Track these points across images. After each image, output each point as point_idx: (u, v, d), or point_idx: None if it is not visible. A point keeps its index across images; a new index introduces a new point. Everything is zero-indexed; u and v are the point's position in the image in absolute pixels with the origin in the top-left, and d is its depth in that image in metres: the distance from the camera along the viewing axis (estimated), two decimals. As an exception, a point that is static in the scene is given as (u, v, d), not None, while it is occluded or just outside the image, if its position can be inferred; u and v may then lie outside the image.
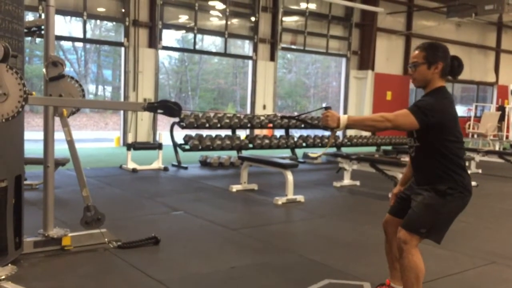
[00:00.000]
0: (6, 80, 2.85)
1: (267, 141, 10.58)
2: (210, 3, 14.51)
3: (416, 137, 2.93)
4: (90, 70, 23.62)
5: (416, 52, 2.94)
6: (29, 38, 4.43)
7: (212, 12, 14.72)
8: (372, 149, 12.94)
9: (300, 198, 6.62)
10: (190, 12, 14.06)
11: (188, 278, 3.68)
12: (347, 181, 8.03)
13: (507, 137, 17.79)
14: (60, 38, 12.79)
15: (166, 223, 5.32)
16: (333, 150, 11.72)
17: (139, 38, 12.94)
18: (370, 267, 3.96)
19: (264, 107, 15.27)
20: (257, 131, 13.28)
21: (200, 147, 9.65)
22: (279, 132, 11.76)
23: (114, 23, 14.22)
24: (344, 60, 17.77)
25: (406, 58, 18.92)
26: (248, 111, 15.20)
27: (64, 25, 15.12)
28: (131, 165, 8.81)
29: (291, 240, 4.96)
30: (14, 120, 2.98)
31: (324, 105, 2.94)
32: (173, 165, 9.48)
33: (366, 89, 17.62)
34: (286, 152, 11.39)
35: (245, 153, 10.00)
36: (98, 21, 15.55)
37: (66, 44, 20.64)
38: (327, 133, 12.44)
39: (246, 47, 15.88)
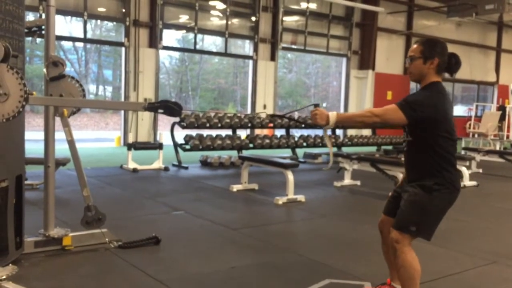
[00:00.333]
0: (6, 80, 2.86)
1: (267, 141, 10.58)
2: (211, 3, 14.51)
3: (408, 132, 2.94)
4: (91, 70, 23.63)
5: (415, 46, 2.97)
6: (29, 38, 4.44)
7: (212, 12, 14.72)
8: (373, 148, 12.93)
9: (301, 198, 6.62)
10: (191, 12, 14.06)
11: (189, 278, 3.68)
12: (347, 181, 8.03)
13: (507, 136, 17.79)
14: (60, 38, 12.80)
15: (167, 223, 5.32)
16: (334, 149, 11.72)
17: (139, 38, 12.95)
18: (370, 267, 3.96)
19: (265, 107, 15.27)
20: (257, 131, 13.28)
21: (200, 147, 9.65)
22: (279, 132, 11.76)
23: (115, 23, 14.23)
24: (344, 59, 17.77)
25: (406, 58, 18.90)
26: (249, 111, 15.20)
27: (65, 25, 15.13)
28: (131, 165, 8.81)
29: (292, 240, 4.96)
30: (14, 120, 2.98)
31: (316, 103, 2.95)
32: (173, 165, 9.48)
33: (367, 89, 17.62)
34: (287, 152, 11.38)
35: (245, 153, 10.00)
36: (99, 21, 15.56)
37: (67, 44, 20.65)
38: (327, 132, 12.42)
39: (246, 47, 15.88)
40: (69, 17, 13.79)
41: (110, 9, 12.92)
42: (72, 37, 14.43)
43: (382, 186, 7.57)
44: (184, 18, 14.29)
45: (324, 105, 24.00)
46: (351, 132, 14.87)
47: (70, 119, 4.07)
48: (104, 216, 4.12)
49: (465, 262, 4.25)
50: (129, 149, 9.02)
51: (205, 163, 9.81)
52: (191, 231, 4.99)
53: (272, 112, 14.77)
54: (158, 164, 9.09)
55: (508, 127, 17.86)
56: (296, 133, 12.43)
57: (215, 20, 14.87)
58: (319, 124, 2.83)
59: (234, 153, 10.31)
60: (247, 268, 3.94)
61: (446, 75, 3.05)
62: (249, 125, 10.82)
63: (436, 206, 2.88)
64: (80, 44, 20.34)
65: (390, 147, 12.68)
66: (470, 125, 17.98)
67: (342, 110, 17.98)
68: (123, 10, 12.85)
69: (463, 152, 11.64)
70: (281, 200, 6.44)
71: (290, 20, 16.26)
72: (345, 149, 11.78)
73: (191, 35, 14.60)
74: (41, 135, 4.20)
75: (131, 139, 9.88)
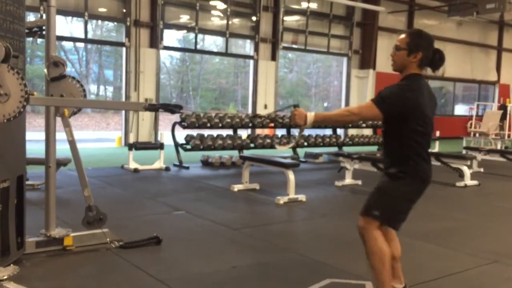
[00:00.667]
0: (7, 81, 2.86)
1: (268, 140, 10.58)
2: (211, 3, 14.51)
3: (382, 121, 2.98)
4: (92, 70, 23.65)
5: (403, 36, 2.98)
6: (30, 39, 4.44)
7: (213, 12, 14.72)
8: (374, 148, 12.93)
9: (302, 197, 6.62)
10: (191, 12, 14.06)
11: (190, 277, 3.68)
12: (348, 180, 8.02)
13: (509, 136, 17.77)
14: (61, 38, 12.82)
15: (168, 223, 5.32)
16: (335, 149, 11.72)
17: (140, 38, 12.95)
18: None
19: (266, 106, 15.27)
20: (258, 131, 13.28)
21: (201, 147, 9.65)
22: (280, 132, 11.76)
23: (115, 23, 14.24)
24: (345, 59, 17.76)
25: (407, 57, 18.90)
26: (250, 111, 15.20)
27: (65, 26, 15.15)
28: (132, 165, 8.82)
29: (293, 240, 4.96)
30: (15, 121, 2.99)
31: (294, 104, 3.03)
32: (174, 165, 9.48)
33: (368, 88, 17.60)
34: (288, 152, 11.38)
35: (246, 152, 10.00)
36: (99, 21, 15.58)
37: (68, 45, 20.68)
38: (328, 131, 12.45)
39: (247, 47, 15.89)
40: (70, 17, 13.81)
41: (111, 9, 12.93)
42: (73, 38, 14.45)
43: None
44: (184, 18, 14.29)
45: (325, 104, 24.01)
46: (352, 131, 14.86)
47: (71, 119, 4.07)
48: (105, 216, 4.12)
49: (466, 261, 4.25)
50: (130, 149, 9.02)
51: (206, 163, 9.81)
52: (192, 231, 4.99)
53: (273, 112, 14.74)
54: (159, 164, 9.10)
55: (509, 126, 17.84)
56: (297, 132, 12.40)
57: (216, 20, 14.88)
58: (297, 124, 2.91)
59: (235, 153, 10.31)
60: (248, 268, 3.94)
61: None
62: (250, 125, 10.82)
63: (400, 193, 2.92)
64: (81, 45, 20.37)
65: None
66: (471, 124, 17.96)
67: (343, 110, 17.97)
68: (124, 10, 12.86)
69: (464, 152, 11.64)
70: (282, 199, 6.44)
71: (290, 20, 16.26)
72: (346, 149, 11.78)
73: (191, 35, 14.60)
74: (42, 135, 4.20)
75: (132, 139, 9.88)
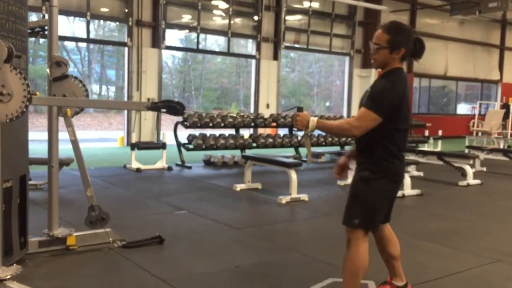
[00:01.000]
0: (10, 80, 2.86)
1: (270, 140, 10.58)
2: (213, 2, 14.52)
3: None
4: (94, 70, 23.69)
5: (380, 33, 2.85)
6: (32, 39, 4.44)
7: (215, 11, 14.72)
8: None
9: (304, 197, 6.61)
10: (193, 11, 14.07)
11: (193, 277, 3.68)
12: (351, 179, 8.00)
13: (511, 135, 17.73)
14: (63, 38, 12.85)
15: (170, 223, 5.32)
16: (337, 148, 11.70)
17: (142, 38, 12.96)
18: (374, 266, 3.93)
19: (268, 106, 15.26)
20: (260, 130, 13.27)
21: (203, 147, 9.65)
22: (282, 131, 11.75)
23: (118, 23, 14.26)
24: (347, 58, 17.74)
25: (409, 56, 18.87)
26: (252, 110, 15.20)
27: (68, 26, 15.19)
28: (135, 164, 8.83)
29: (295, 239, 4.96)
30: (18, 120, 2.99)
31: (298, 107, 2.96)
32: (177, 165, 9.49)
33: (370, 88, 17.57)
34: (290, 151, 11.38)
35: (248, 152, 10.00)
36: (102, 21, 15.60)
37: (70, 45, 20.71)
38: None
39: (249, 46, 15.89)
40: (72, 17, 13.85)
41: (113, 9, 12.94)
42: (75, 37, 14.48)
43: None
44: (186, 18, 14.30)
45: (327, 104, 23.99)
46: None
47: (74, 119, 4.08)
48: (108, 216, 4.13)
49: (469, 261, 4.24)
50: (132, 149, 9.03)
51: (208, 163, 9.82)
52: (195, 231, 5.00)
53: (276, 112, 14.72)
54: (161, 164, 9.10)
55: (512, 125, 17.80)
56: (299, 132, 12.42)
57: (218, 20, 14.88)
58: (299, 129, 2.85)
59: (237, 153, 10.31)
60: (251, 267, 3.94)
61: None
62: (252, 124, 10.81)
63: (376, 196, 2.87)
64: (83, 44, 20.41)
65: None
66: (473, 123, 17.94)
67: (345, 109, 17.99)
68: (126, 10, 12.87)
69: (466, 151, 11.61)
70: (284, 199, 6.44)
71: (292, 19, 16.25)
72: (348, 148, 11.75)
73: (193, 35, 14.61)
74: (44, 135, 4.21)
75: (134, 139, 9.89)
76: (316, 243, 4.79)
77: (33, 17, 11.41)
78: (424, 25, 18.95)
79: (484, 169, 10.05)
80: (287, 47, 16.19)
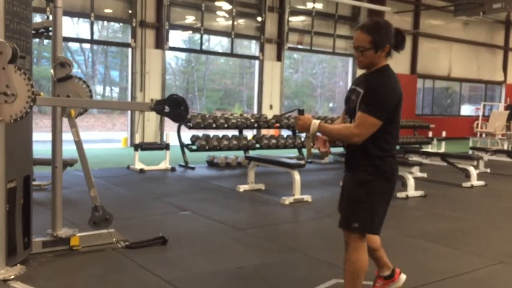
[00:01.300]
0: (14, 81, 2.87)
1: (274, 141, 10.58)
2: (217, 3, 14.52)
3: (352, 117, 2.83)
4: (98, 71, 23.75)
5: (360, 35, 2.79)
6: (37, 40, 4.46)
7: (218, 12, 14.74)
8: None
9: (307, 197, 6.61)
10: (197, 12, 14.09)
11: (196, 277, 3.69)
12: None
13: (515, 136, 17.65)
14: (67, 39, 12.87)
15: (174, 223, 5.33)
16: (341, 150, 11.68)
17: (146, 39, 12.99)
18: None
19: (271, 107, 15.26)
20: (264, 131, 13.28)
21: (207, 147, 9.66)
22: (286, 132, 11.76)
23: (121, 24, 14.29)
24: (350, 59, 17.73)
25: (413, 57, 18.85)
26: (255, 111, 15.20)
27: (72, 27, 15.22)
28: (138, 165, 8.84)
29: (299, 240, 4.95)
30: (22, 121, 3.00)
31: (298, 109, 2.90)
32: (180, 166, 9.50)
33: (373, 89, 17.54)
34: (293, 152, 11.38)
35: (252, 153, 10.00)
36: (105, 22, 15.63)
37: (74, 45, 20.78)
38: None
39: (252, 47, 15.89)
40: (76, 18, 13.88)
41: (117, 10, 12.97)
42: (79, 38, 14.50)
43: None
44: (190, 19, 14.32)
45: (331, 105, 23.97)
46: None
47: (77, 120, 4.08)
48: (111, 216, 4.13)
49: (472, 262, 4.23)
50: (136, 149, 9.04)
51: (211, 164, 9.82)
52: (198, 231, 5.00)
53: (279, 113, 14.72)
54: (164, 165, 9.11)
55: (516, 126, 17.73)
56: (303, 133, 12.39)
57: (221, 21, 14.89)
58: (300, 131, 2.83)
59: (240, 154, 10.31)
60: (254, 268, 3.94)
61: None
62: (256, 125, 10.82)
63: (374, 199, 2.81)
64: (87, 45, 20.47)
65: (397, 147, 12.62)
66: (477, 124, 17.86)
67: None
68: (130, 11, 12.89)
69: (470, 152, 11.58)
70: (287, 200, 6.44)
71: (296, 20, 16.25)
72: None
73: (197, 36, 14.63)
74: (48, 136, 4.22)
75: (138, 140, 9.91)
76: (320, 244, 4.78)
77: (37, 18, 11.46)
78: (428, 26, 18.92)
79: (488, 170, 10.02)
80: (290, 48, 16.19)
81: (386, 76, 2.81)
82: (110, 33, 18.30)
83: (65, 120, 4.05)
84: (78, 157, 4.12)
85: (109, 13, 12.96)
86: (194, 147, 9.68)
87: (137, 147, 9.12)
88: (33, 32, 3.84)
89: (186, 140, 9.85)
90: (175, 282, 3.53)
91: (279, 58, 15.54)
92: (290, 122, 10.90)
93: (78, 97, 3.97)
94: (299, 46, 16.71)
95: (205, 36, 14.81)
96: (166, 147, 9.24)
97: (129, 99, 13.28)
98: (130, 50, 13.09)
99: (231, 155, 10.12)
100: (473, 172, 8.33)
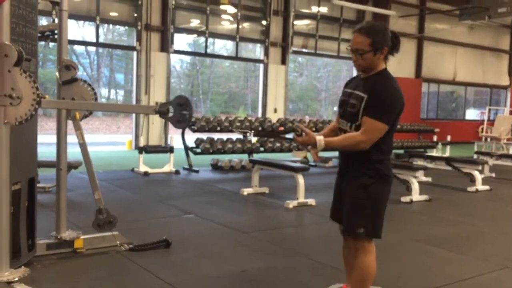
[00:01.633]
0: (20, 84, 2.89)
1: (278, 144, 10.58)
2: (222, 7, 14.56)
3: (357, 125, 2.80)
4: (103, 74, 23.84)
5: (359, 37, 2.77)
6: (42, 43, 4.48)
7: (223, 16, 14.77)
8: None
9: (312, 201, 6.60)
10: (202, 16, 14.12)
11: (199, 281, 3.68)
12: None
13: (521, 140, 17.58)
14: (73, 42, 12.91)
15: (178, 226, 5.33)
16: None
17: (151, 42, 13.02)
18: (381, 271, 3.91)
19: (275, 110, 15.26)
20: (268, 135, 13.26)
21: (211, 151, 9.67)
22: (290, 136, 11.75)
23: (127, 27, 14.35)
24: (355, 63, 17.69)
25: (418, 61, 18.82)
26: (260, 115, 15.20)
27: (77, 30, 15.30)
28: (143, 168, 8.85)
29: (302, 244, 4.94)
30: (27, 123, 3.01)
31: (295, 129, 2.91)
32: (184, 168, 9.51)
33: (378, 93, 17.52)
34: (297, 156, 11.35)
35: (256, 156, 10.00)
36: (111, 26, 15.70)
37: (79, 48, 20.87)
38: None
39: (257, 51, 15.91)
40: (82, 21, 13.93)
41: (122, 13, 13.02)
42: (85, 41, 14.58)
43: (393, 190, 7.46)
44: (195, 22, 14.35)
45: (335, 108, 23.95)
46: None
47: (82, 122, 4.10)
48: (115, 219, 4.14)
49: (478, 266, 4.21)
50: (140, 152, 9.05)
51: (215, 167, 9.83)
52: (202, 234, 5.00)
53: (283, 117, 14.72)
54: (169, 168, 9.12)
55: (521, 131, 17.66)
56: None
57: (226, 24, 14.92)
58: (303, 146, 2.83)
59: (244, 157, 10.31)
60: (258, 271, 3.93)
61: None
62: (260, 129, 10.81)
63: (376, 202, 2.83)
64: (92, 48, 20.56)
65: (401, 151, 12.60)
66: (482, 129, 17.81)
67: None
68: (135, 15, 12.94)
69: (475, 156, 11.54)
70: (291, 203, 6.43)
71: (301, 24, 16.25)
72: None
73: (202, 39, 14.67)
74: (53, 138, 4.23)
75: (142, 143, 9.92)
76: (323, 248, 4.77)
77: (43, 21, 11.51)
78: (433, 30, 18.89)
79: (493, 175, 9.98)
80: (295, 52, 16.19)
81: (390, 80, 2.81)
82: (116, 36, 18.39)
83: (70, 123, 4.06)
84: (82, 159, 4.13)
85: (115, 16, 13.01)
86: (198, 150, 9.69)
87: (141, 150, 9.13)
88: (38, 35, 3.85)
89: (191, 143, 9.86)
90: (179, 285, 3.53)
91: (283, 61, 15.55)
92: (295, 126, 10.89)
93: (83, 99, 3.99)
94: (304, 50, 16.71)
95: (210, 40, 14.84)
96: (171, 150, 9.25)
97: (134, 102, 13.31)
98: (135, 53, 13.13)
99: (235, 158, 10.12)
100: (478, 176, 8.29)
